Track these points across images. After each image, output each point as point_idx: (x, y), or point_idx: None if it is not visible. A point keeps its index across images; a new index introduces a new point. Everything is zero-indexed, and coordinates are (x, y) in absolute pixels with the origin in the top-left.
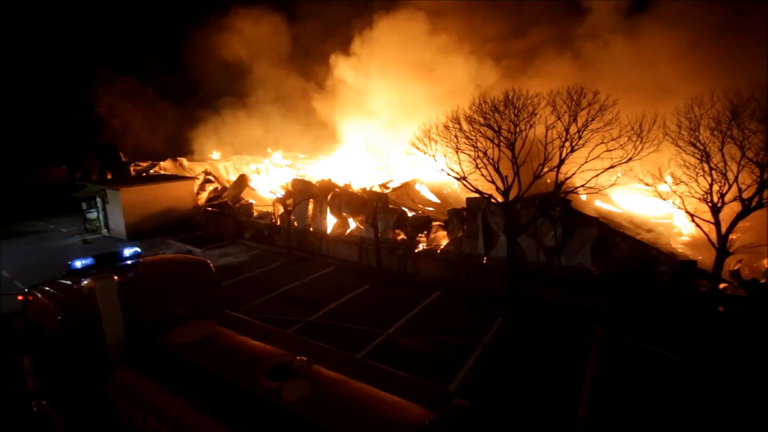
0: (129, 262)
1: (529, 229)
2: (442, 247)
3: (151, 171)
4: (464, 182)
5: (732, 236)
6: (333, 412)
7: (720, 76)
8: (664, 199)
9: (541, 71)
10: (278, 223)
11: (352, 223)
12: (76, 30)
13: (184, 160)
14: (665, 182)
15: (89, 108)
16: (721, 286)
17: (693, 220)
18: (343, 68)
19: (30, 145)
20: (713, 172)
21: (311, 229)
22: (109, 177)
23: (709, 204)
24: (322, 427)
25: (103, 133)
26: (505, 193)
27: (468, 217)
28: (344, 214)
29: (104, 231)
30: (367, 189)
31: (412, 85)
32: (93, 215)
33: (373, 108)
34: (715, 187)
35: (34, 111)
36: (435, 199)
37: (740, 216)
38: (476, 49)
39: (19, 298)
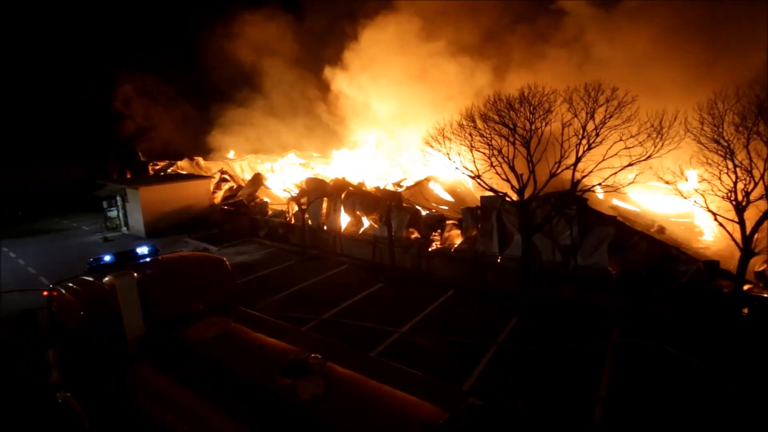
0: (148, 259)
1: (545, 228)
2: (455, 245)
3: (169, 170)
4: (479, 180)
5: (757, 236)
6: (347, 409)
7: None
8: (685, 198)
9: (544, 68)
10: (292, 221)
11: (366, 222)
12: (96, 31)
13: (200, 160)
14: (686, 180)
15: (108, 109)
16: (746, 287)
17: (716, 219)
18: (340, 76)
19: (52, 145)
20: (738, 169)
21: (325, 228)
22: (128, 176)
23: (733, 202)
24: (336, 424)
25: (122, 133)
26: (520, 192)
27: (482, 215)
28: (358, 212)
29: (124, 229)
30: (381, 187)
31: (419, 84)
32: (113, 213)
33: (383, 108)
34: (740, 185)
35: (56, 112)
36: (449, 198)
37: (766, 215)
38: (479, 43)
39: (44, 293)
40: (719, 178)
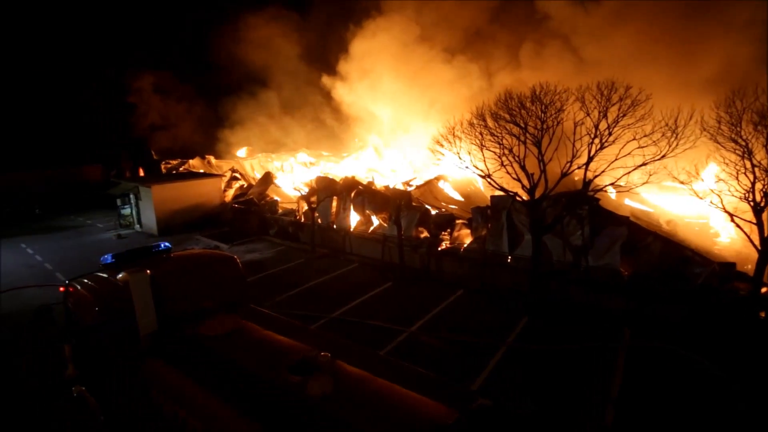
0: (161, 256)
1: (556, 228)
2: (465, 245)
3: (181, 169)
4: (489, 180)
5: None
6: (356, 408)
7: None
8: (701, 198)
9: (545, 66)
10: (302, 220)
11: (375, 221)
12: (111, 30)
13: (212, 158)
14: (702, 180)
15: (122, 106)
16: (764, 290)
17: (732, 220)
18: (348, 78)
19: (68, 144)
20: (756, 169)
21: (335, 226)
22: (141, 174)
23: (751, 203)
24: (345, 422)
25: (136, 130)
26: (531, 191)
27: (492, 215)
28: (367, 211)
29: (137, 226)
30: (391, 186)
31: (427, 83)
32: (127, 211)
33: (392, 108)
34: (758, 186)
35: (72, 111)
36: (458, 197)
37: None
38: (474, 46)
39: (61, 289)
40: (736, 178)
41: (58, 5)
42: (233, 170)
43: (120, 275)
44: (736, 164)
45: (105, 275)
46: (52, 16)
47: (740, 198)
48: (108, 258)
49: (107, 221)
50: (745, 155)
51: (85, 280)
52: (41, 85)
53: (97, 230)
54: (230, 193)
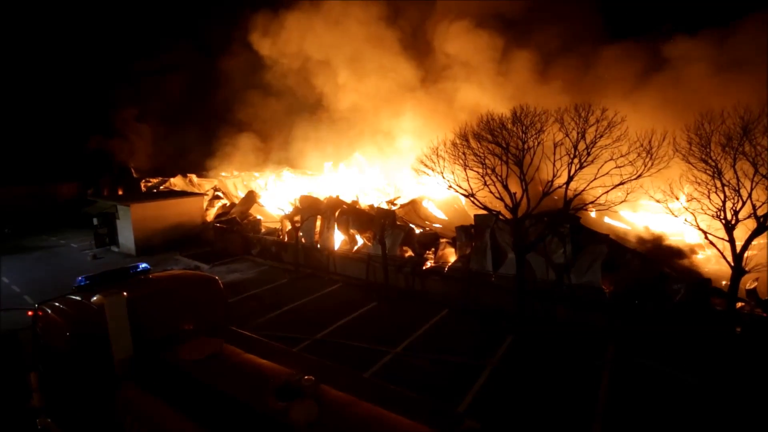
0: (138, 278)
1: (538, 246)
2: (449, 264)
3: (162, 187)
4: (472, 199)
5: (747, 254)
6: None
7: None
8: (676, 216)
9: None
10: (286, 239)
11: (360, 240)
12: (93, 46)
13: (193, 177)
14: (676, 199)
15: (101, 125)
16: (738, 305)
17: (706, 238)
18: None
19: (43, 161)
20: (726, 188)
21: (319, 246)
22: (120, 193)
23: (723, 221)
24: None
25: (115, 149)
26: (513, 210)
27: (476, 234)
28: (352, 230)
29: (114, 247)
30: (375, 206)
31: (411, 103)
32: (104, 231)
33: (376, 127)
34: (729, 204)
35: (49, 127)
36: (443, 216)
37: (755, 233)
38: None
39: (29, 313)
40: (708, 197)
41: (34, 19)
42: (215, 189)
43: (95, 298)
44: (708, 184)
45: (78, 298)
46: (26, 29)
47: (713, 216)
48: (82, 280)
49: (82, 241)
50: (716, 175)
51: (56, 304)
52: (12, 98)
53: (71, 250)
54: (212, 212)
